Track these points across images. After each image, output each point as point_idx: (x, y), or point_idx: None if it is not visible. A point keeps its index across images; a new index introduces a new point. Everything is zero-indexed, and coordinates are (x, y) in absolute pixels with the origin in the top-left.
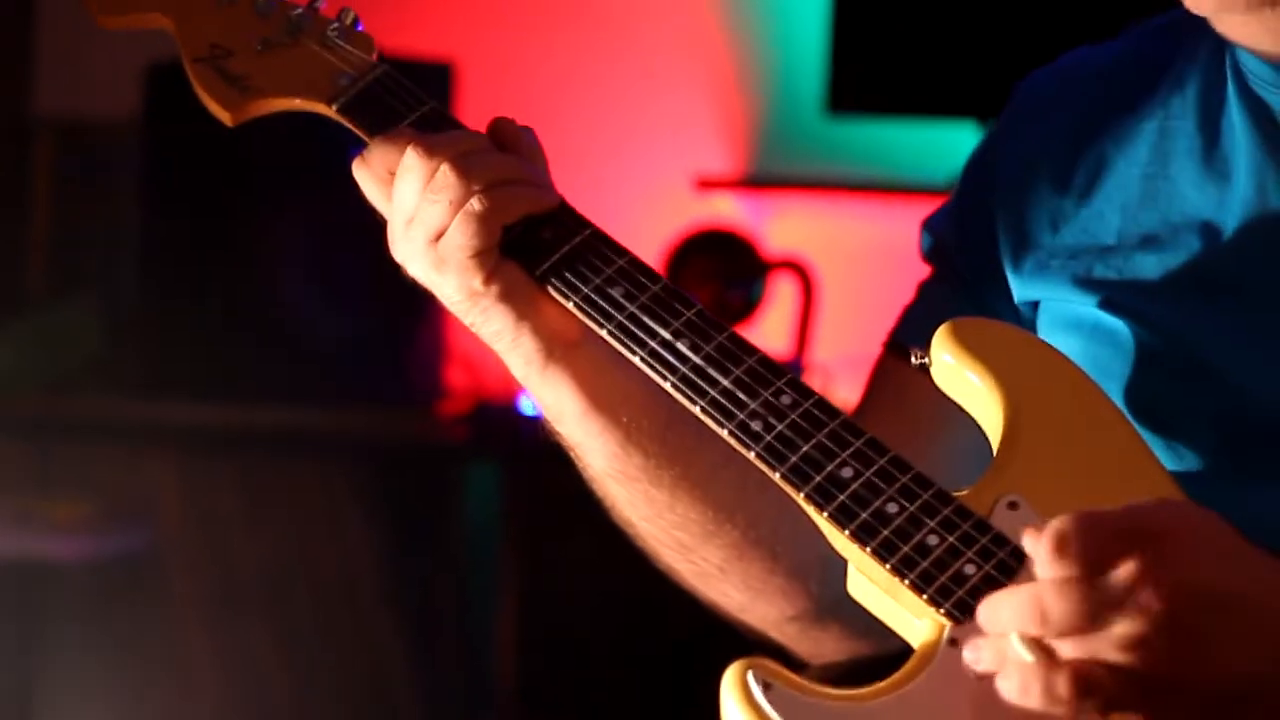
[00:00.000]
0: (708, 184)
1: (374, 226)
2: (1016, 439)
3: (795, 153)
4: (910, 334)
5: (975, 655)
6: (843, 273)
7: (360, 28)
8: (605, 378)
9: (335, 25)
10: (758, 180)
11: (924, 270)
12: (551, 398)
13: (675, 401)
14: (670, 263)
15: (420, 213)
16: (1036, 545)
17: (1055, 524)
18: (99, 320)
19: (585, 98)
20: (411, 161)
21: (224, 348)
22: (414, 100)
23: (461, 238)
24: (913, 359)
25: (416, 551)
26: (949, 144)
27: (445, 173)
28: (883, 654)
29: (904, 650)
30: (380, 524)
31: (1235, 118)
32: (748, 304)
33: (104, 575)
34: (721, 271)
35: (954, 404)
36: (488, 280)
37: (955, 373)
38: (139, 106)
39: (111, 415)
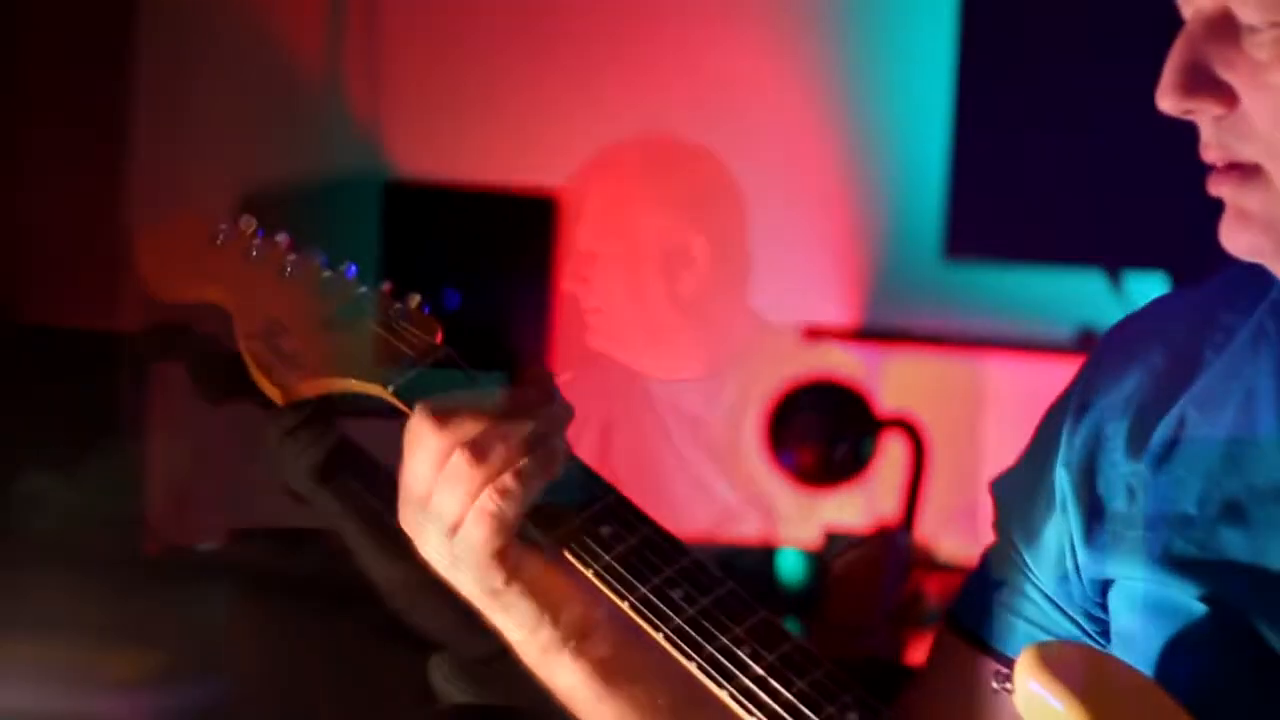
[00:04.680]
0: (816, 333)
1: None
2: None
3: (911, 299)
4: (971, 615)
5: None
6: (957, 428)
7: (426, 310)
8: (618, 662)
9: (399, 306)
10: (872, 331)
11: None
12: (566, 682)
13: (688, 684)
14: (774, 415)
15: (436, 501)
16: None
17: None
18: None
19: None
20: (427, 437)
21: None
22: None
23: (479, 536)
24: (994, 683)
25: None
26: (1074, 293)
27: (458, 461)
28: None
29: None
30: None
31: None
32: (857, 462)
33: None
34: (828, 427)
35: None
36: (509, 580)
37: (1038, 700)
38: None
39: None
